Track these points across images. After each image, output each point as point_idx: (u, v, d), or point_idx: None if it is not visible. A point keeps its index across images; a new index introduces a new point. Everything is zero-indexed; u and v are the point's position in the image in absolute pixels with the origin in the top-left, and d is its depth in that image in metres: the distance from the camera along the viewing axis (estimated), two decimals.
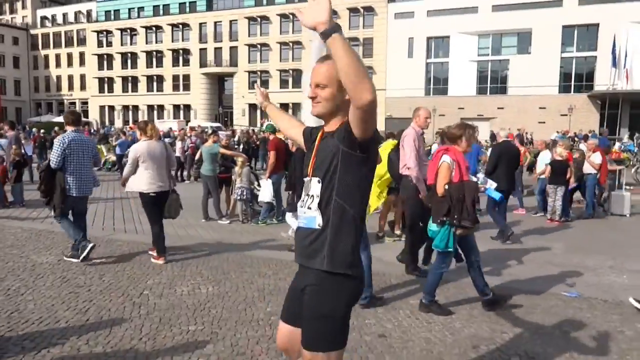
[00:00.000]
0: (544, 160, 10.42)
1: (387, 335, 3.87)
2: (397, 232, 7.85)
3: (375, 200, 6.82)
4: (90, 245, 5.79)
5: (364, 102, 1.76)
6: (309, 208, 2.08)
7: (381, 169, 6.55)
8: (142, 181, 5.97)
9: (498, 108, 42.75)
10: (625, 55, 37.94)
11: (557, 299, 4.84)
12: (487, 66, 44.93)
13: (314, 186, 2.07)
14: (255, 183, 9.57)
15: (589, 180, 10.05)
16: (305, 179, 2.14)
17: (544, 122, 39.88)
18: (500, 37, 43.80)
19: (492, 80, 44.89)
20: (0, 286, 4.87)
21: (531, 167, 14.50)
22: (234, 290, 4.91)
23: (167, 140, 23.51)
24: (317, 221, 2.07)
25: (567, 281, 5.49)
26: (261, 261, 6.02)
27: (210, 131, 12.59)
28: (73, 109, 5.87)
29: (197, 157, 11.46)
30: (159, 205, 6.11)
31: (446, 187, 4.19)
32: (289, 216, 7.11)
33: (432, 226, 4.32)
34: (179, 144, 15.78)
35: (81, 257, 5.75)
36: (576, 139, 30.02)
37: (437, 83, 46.53)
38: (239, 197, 8.58)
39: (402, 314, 4.36)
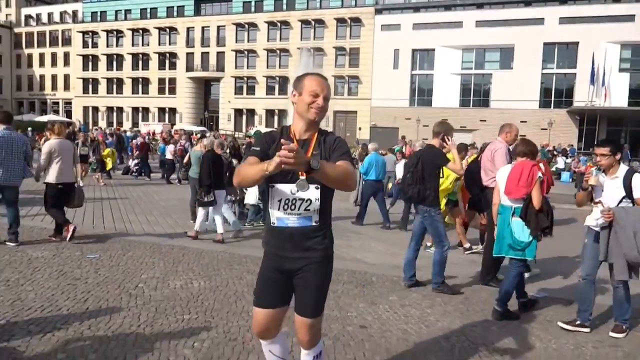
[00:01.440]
0: None
1: (367, 327, 4.21)
2: (466, 245, 7.82)
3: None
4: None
5: (349, 192, 2.32)
6: (306, 210, 2.42)
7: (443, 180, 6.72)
8: (53, 173, 6.82)
9: (480, 120, 43.61)
10: (604, 74, 39.21)
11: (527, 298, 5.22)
12: (470, 79, 45.89)
13: (312, 191, 2.41)
14: None
15: None
16: (288, 185, 2.40)
17: (525, 136, 40.59)
18: (484, 52, 44.81)
19: (475, 94, 45.85)
20: (0, 277, 5.09)
21: None
22: (224, 285, 5.21)
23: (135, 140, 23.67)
24: (313, 219, 2.45)
25: (537, 283, 5.89)
26: (249, 259, 6.32)
27: (199, 135, 12.89)
28: (5, 110, 6.93)
29: (185, 160, 11.73)
30: (61, 195, 6.99)
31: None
32: (212, 214, 7.93)
33: (525, 238, 4.52)
34: (171, 147, 16.09)
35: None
36: (555, 152, 31.01)
37: (422, 94, 47.34)
38: (230, 199, 8.87)
39: (382, 308, 4.71)
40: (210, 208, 7.94)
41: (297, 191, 2.40)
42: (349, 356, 3.60)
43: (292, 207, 2.42)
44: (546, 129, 39.11)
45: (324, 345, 3.67)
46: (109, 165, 16.56)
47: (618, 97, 39.84)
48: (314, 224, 2.45)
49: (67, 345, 3.53)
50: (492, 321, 4.51)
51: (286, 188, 2.43)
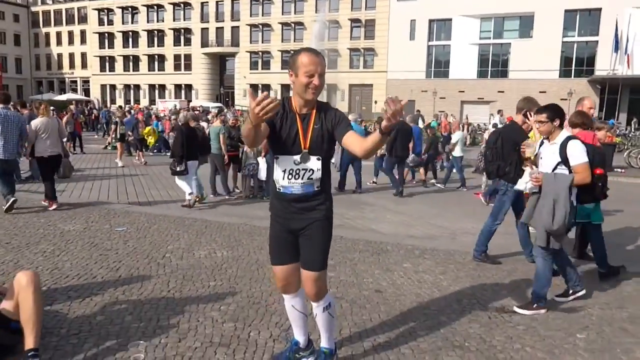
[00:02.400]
0: (456, 138, 12.43)
1: (382, 291, 4.44)
2: None
3: None
4: (12, 199, 7.28)
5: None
6: (309, 178, 2.65)
7: None
8: (40, 148, 7.72)
9: (498, 91, 43.00)
10: (627, 40, 38.11)
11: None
12: (488, 49, 45.02)
13: (313, 162, 2.64)
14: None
15: None
16: (292, 156, 2.63)
17: None
18: (503, 21, 43.82)
19: (493, 64, 45.04)
20: (37, 249, 5.43)
21: None
22: (246, 254, 5.48)
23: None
24: (314, 186, 2.69)
25: None
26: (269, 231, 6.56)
27: (216, 112, 13.15)
28: (4, 91, 8.14)
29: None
30: (51, 166, 7.88)
31: None
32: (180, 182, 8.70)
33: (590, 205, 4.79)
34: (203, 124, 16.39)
35: (5, 208, 7.20)
36: None
37: (439, 66, 46.67)
38: (249, 173, 9.11)
39: (396, 274, 4.93)
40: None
41: (300, 162, 2.63)
42: (365, 317, 3.83)
43: (296, 176, 2.65)
44: (566, 99, 38.38)
45: (343, 307, 3.93)
46: (151, 143, 16.79)
47: None
48: (315, 189, 2.70)
49: (105, 309, 3.83)
50: (502, 285, 4.70)
51: (290, 159, 2.65)
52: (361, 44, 48.79)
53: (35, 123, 7.69)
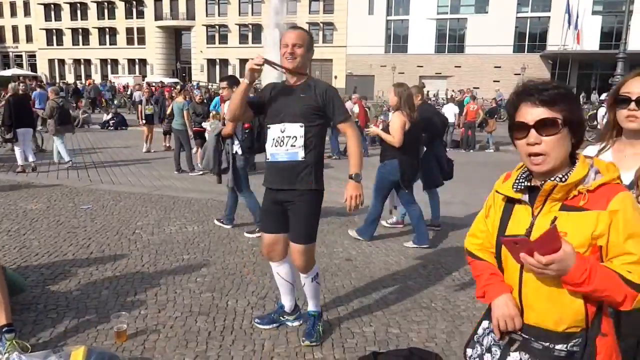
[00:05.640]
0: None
1: (352, 259, 4.64)
2: None
3: None
4: None
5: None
6: (292, 146, 2.76)
7: None
8: None
9: (455, 67, 43.83)
10: (577, 16, 39.39)
11: None
12: (445, 25, 45.60)
13: (296, 129, 2.75)
14: None
15: None
16: (279, 125, 2.79)
17: (499, 81, 41.32)
18: None
19: (450, 39, 45.71)
20: (0, 228, 5.31)
21: (481, 124, 15.62)
22: (217, 228, 5.55)
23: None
24: (299, 155, 2.78)
25: None
26: (238, 206, 6.62)
27: (179, 88, 12.83)
28: None
29: (168, 112, 11.72)
30: None
31: None
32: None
33: None
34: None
35: None
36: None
37: (397, 41, 46.95)
38: None
39: (365, 244, 5.13)
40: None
41: (285, 130, 2.76)
42: (337, 284, 4.02)
43: (281, 143, 2.78)
44: (519, 74, 39.55)
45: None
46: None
47: (590, 41, 40.26)
48: (299, 159, 2.78)
49: (80, 284, 3.85)
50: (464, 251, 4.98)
51: (277, 127, 2.80)
52: (320, 18, 48.33)
53: None
